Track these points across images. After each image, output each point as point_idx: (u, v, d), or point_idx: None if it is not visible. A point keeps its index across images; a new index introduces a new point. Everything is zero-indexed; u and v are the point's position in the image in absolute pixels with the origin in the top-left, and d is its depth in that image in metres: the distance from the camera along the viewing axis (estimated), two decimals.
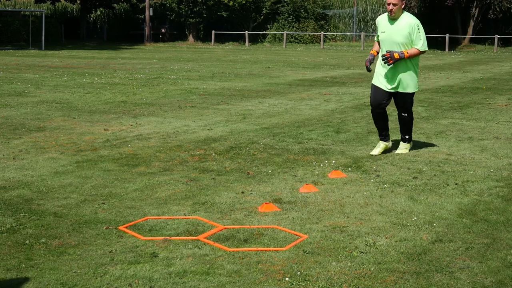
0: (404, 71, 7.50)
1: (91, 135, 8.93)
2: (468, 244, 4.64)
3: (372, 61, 7.71)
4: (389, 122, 7.91)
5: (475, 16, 44.67)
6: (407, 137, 7.86)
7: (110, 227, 4.93)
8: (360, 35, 47.60)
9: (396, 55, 7.35)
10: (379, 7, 50.02)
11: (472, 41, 45.23)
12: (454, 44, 43.67)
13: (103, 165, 7.05)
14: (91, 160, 7.31)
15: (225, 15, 48.71)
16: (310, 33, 48.88)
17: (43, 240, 4.62)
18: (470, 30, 45.19)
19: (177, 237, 4.71)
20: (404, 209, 5.52)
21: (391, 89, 7.57)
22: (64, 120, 10.24)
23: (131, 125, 9.84)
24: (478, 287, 3.92)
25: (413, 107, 7.93)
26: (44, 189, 6.04)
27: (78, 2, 54.32)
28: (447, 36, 42.15)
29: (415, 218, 5.24)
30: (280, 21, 50.60)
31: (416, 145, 8.32)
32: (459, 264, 4.26)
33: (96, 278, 3.97)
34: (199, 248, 4.52)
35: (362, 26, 51.14)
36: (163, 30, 53.14)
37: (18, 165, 7.00)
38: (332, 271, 4.10)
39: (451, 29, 45.54)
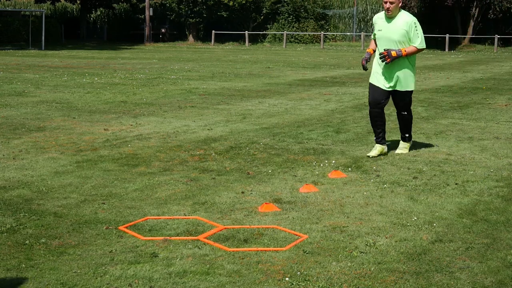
0: (401, 69, 7.48)
1: (91, 135, 8.93)
2: (468, 244, 4.64)
3: (368, 59, 7.69)
4: (388, 123, 7.90)
5: (475, 16, 44.67)
6: (407, 135, 7.85)
7: (110, 227, 4.94)
8: (360, 35, 47.62)
9: (393, 53, 7.33)
10: (379, 7, 50.02)
11: (472, 41, 45.24)
12: (454, 44, 43.68)
13: (103, 165, 7.05)
14: (91, 160, 7.31)
15: (225, 15, 48.72)
16: (310, 33, 48.89)
17: (43, 240, 4.62)
18: (470, 30, 45.19)
19: (177, 237, 4.71)
20: (404, 209, 5.52)
21: (389, 87, 7.55)
22: (64, 120, 10.24)
23: (131, 125, 9.84)
24: (478, 287, 3.92)
25: (413, 107, 7.93)
26: (44, 189, 6.04)
27: (78, 2, 54.32)
28: (447, 36, 42.16)
29: (415, 218, 5.24)
30: (280, 21, 50.60)
31: (416, 145, 8.32)
32: (459, 264, 4.26)
33: (96, 278, 3.97)
34: (199, 248, 4.52)
35: (362, 26, 51.15)
36: (163, 30, 53.14)
37: (18, 165, 7.00)
38: (332, 271, 4.11)
39: (451, 29, 45.54)
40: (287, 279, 3.98)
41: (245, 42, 48.31)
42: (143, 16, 52.32)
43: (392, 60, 7.37)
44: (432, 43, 42.73)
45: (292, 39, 49.32)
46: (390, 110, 9.59)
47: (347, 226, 5.01)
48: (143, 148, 8.04)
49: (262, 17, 50.37)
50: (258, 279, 3.97)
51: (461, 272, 4.12)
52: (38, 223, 5.02)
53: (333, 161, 7.34)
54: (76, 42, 48.52)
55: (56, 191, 5.99)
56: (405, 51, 7.36)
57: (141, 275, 4.02)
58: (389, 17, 7.46)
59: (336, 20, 52.08)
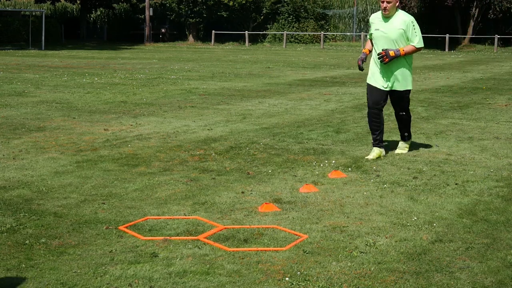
0: (399, 68, 7.44)
1: (91, 135, 8.93)
2: (468, 244, 4.64)
3: (364, 59, 7.64)
4: (388, 122, 7.89)
5: (475, 16, 44.67)
6: (406, 134, 7.82)
7: (110, 227, 4.94)
8: (360, 35, 47.64)
9: (391, 53, 7.30)
10: (379, 7, 50.03)
11: (472, 41, 45.24)
12: (454, 44, 43.68)
13: (103, 165, 7.05)
14: (91, 160, 7.31)
15: (225, 15, 48.72)
16: (310, 33, 48.90)
17: (43, 240, 4.62)
18: (470, 30, 45.19)
19: (177, 237, 4.71)
20: (404, 209, 5.52)
21: (387, 87, 7.51)
22: (64, 120, 10.24)
23: (131, 125, 9.84)
24: (478, 287, 3.92)
25: (413, 107, 7.92)
26: (44, 189, 6.04)
27: (78, 2, 54.33)
28: (447, 36, 42.16)
29: (415, 218, 5.24)
30: (280, 21, 50.61)
31: (416, 145, 8.32)
32: (459, 264, 4.26)
33: (96, 278, 3.97)
34: (199, 248, 4.52)
35: (362, 26, 51.16)
36: (163, 30, 53.15)
37: (18, 165, 7.00)
38: (332, 271, 4.11)
39: (451, 29, 45.54)
40: (287, 279, 3.98)
41: (245, 42, 48.32)
42: (143, 16, 52.33)
43: (390, 60, 7.33)
44: (432, 43, 42.73)
45: (292, 39, 49.32)
46: (389, 110, 9.58)
47: (347, 226, 5.01)
48: (143, 148, 8.04)
49: (262, 17, 50.37)
50: (258, 279, 3.97)
51: (461, 272, 4.12)
52: (38, 223, 5.02)
53: (333, 161, 7.34)
54: (76, 42, 48.52)
55: (56, 191, 5.99)
56: (403, 50, 7.34)
57: (141, 275, 4.02)
58: (386, 17, 7.43)
59: (336, 20, 52.09)
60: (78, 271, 4.07)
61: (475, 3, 44.13)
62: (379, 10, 7.63)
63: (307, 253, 4.41)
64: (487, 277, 4.04)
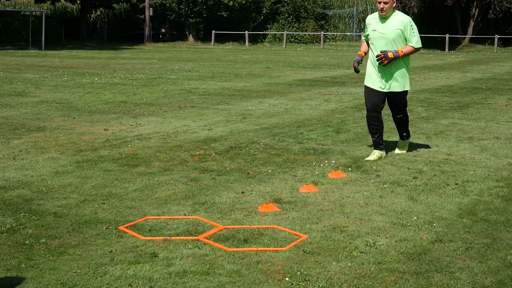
0: (396, 69, 7.39)
1: (91, 135, 8.93)
2: (468, 244, 4.64)
3: (360, 61, 7.56)
4: (388, 122, 7.87)
5: (475, 16, 44.67)
6: (404, 134, 7.78)
7: (110, 227, 4.94)
8: (360, 35, 47.60)
9: (390, 55, 7.25)
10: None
11: (472, 41, 45.24)
12: (454, 44, 43.68)
13: (103, 165, 7.06)
14: (91, 160, 7.32)
15: (225, 15, 48.72)
16: (310, 33, 48.90)
17: (43, 240, 4.62)
18: (470, 30, 45.19)
19: (177, 237, 4.71)
20: (404, 209, 5.52)
21: (385, 89, 7.43)
22: (64, 120, 10.24)
23: (131, 125, 9.84)
24: (478, 287, 3.92)
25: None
26: (44, 189, 6.04)
27: (78, 2, 54.33)
28: (447, 36, 42.16)
29: (415, 218, 5.24)
30: (280, 21, 50.60)
31: (416, 145, 8.32)
32: (459, 264, 4.26)
33: (96, 278, 3.97)
34: (199, 248, 4.52)
35: (362, 26, 51.13)
36: (163, 30, 53.14)
37: (18, 165, 7.00)
38: (332, 271, 4.11)
39: (451, 29, 45.54)
40: (287, 279, 3.98)
41: (245, 42, 48.32)
42: (143, 16, 52.32)
43: (389, 62, 7.28)
44: (432, 43, 42.73)
45: (292, 39, 49.32)
46: (389, 111, 9.57)
47: (347, 226, 5.01)
48: (143, 148, 8.04)
49: (262, 17, 50.37)
50: (258, 279, 3.97)
51: (461, 272, 4.12)
52: (38, 223, 5.02)
53: (333, 161, 7.34)
54: (76, 42, 48.52)
55: (56, 191, 5.99)
56: (401, 52, 7.29)
57: (141, 275, 4.02)
58: (383, 17, 7.38)
59: (336, 20, 52.08)
60: (78, 271, 4.07)
61: (475, 3, 44.13)
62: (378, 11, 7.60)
63: (307, 253, 4.41)
64: (487, 277, 4.04)
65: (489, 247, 4.58)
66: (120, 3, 54.20)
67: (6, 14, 45.58)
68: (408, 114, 8.19)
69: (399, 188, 6.22)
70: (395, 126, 8.71)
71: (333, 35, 50.85)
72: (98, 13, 57.09)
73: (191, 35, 51.44)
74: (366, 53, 7.67)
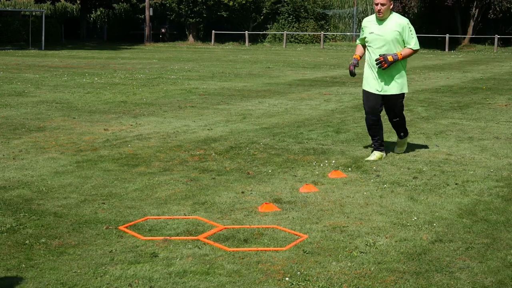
0: (395, 72, 7.34)
1: (91, 135, 8.93)
2: (468, 244, 4.64)
3: (357, 65, 7.48)
4: (388, 122, 7.86)
5: (475, 16, 44.67)
6: (402, 134, 7.75)
7: (110, 227, 4.94)
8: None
9: (390, 58, 7.18)
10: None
11: (472, 41, 45.24)
12: (454, 44, 43.68)
13: (103, 165, 7.06)
14: (91, 160, 7.32)
15: (225, 15, 48.72)
16: (310, 33, 48.90)
17: (43, 240, 4.62)
18: (470, 30, 45.19)
19: (177, 237, 4.71)
20: (404, 209, 5.52)
21: (381, 91, 7.37)
22: (64, 120, 10.24)
23: (131, 125, 9.84)
24: (478, 287, 3.92)
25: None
26: (44, 189, 6.04)
27: (78, 2, 54.33)
28: (447, 36, 42.16)
29: (415, 218, 5.24)
30: (280, 21, 50.60)
31: (416, 145, 8.32)
32: (459, 264, 4.26)
33: (96, 278, 3.97)
34: (199, 248, 4.52)
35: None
36: (163, 30, 53.14)
37: (18, 165, 7.00)
38: (332, 271, 4.11)
39: (451, 29, 45.54)
40: (287, 279, 3.98)
41: (245, 42, 48.32)
42: (143, 16, 52.32)
43: (389, 65, 7.23)
44: (432, 43, 42.73)
45: (292, 39, 49.32)
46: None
47: (347, 226, 5.02)
48: (143, 148, 8.04)
49: (262, 17, 50.37)
50: (258, 279, 3.97)
51: (461, 272, 4.12)
52: (38, 223, 5.02)
53: (333, 161, 7.34)
54: (76, 42, 48.52)
55: (56, 191, 5.99)
56: (401, 54, 7.25)
57: (141, 275, 4.02)
58: (380, 19, 7.32)
59: (336, 20, 52.08)
60: (78, 271, 4.07)
61: (475, 3, 44.13)
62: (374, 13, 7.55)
63: (307, 253, 4.41)
64: (487, 277, 4.04)
65: (489, 247, 4.58)
66: (120, 3, 54.20)
67: (6, 14, 45.58)
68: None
69: (399, 188, 6.22)
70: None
71: (333, 35, 50.85)
72: (98, 13, 57.09)
73: (191, 35, 51.44)
74: (361, 57, 7.61)
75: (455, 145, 8.43)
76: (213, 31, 48.61)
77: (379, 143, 7.53)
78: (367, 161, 7.38)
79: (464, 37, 45.24)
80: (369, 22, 7.47)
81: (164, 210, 5.43)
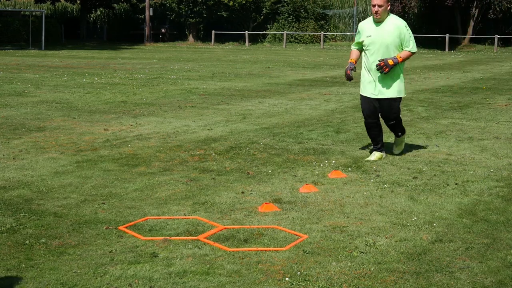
0: (393, 75, 7.30)
1: (91, 135, 8.93)
2: (468, 244, 4.64)
3: (354, 69, 7.40)
4: (384, 125, 7.85)
5: (475, 16, 44.67)
6: (399, 133, 7.72)
7: (110, 227, 4.94)
8: None
9: (390, 62, 7.14)
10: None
11: (472, 41, 45.24)
12: (454, 44, 43.67)
13: (103, 165, 7.05)
14: (91, 160, 7.32)
15: (225, 15, 48.72)
16: (310, 33, 48.89)
17: (43, 240, 4.62)
18: (470, 30, 45.19)
19: (177, 237, 4.71)
20: (404, 209, 5.52)
21: (377, 94, 7.33)
22: (64, 120, 10.24)
23: (131, 125, 9.84)
24: (478, 287, 3.92)
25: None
26: (44, 189, 6.04)
27: (78, 2, 54.33)
28: (447, 36, 42.16)
29: (415, 218, 5.24)
30: (280, 21, 50.60)
31: (416, 145, 8.32)
32: (459, 264, 4.26)
33: (96, 278, 3.97)
34: (199, 248, 4.52)
35: None
36: (163, 30, 53.15)
37: (18, 165, 7.00)
38: (332, 271, 4.11)
39: (451, 29, 45.54)
40: (287, 279, 3.98)
41: (245, 42, 48.32)
42: (143, 16, 52.32)
43: (390, 69, 7.18)
44: (432, 43, 42.72)
45: (292, 39, 49.32)
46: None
47: (347, 226, 5.01)
48: (143, 148, 8.04)
49: (262, 17, 50.37)
50: (258, 279, 3.97)
51: (461, 272, 4.12)
52: (38, 223, 5.02)
53: (333, 161, 7.34)
54: (76, 42, 48.53)
55: (56, 191, 5.99)
56: (400, 57, 7.21)
57: (141, 275, 4.02)
58: (378, 21, 7.27)
59: (336, 20, 52.08)
60: (78, 271, 4.07)
61: (475, 3, 44.13)
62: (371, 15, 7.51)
63: (307, 253, 4.41)
64: (487, 277, 4.04)
65: (489, 247, 4.58)
66: (120, 3, 54.21)
67: (6, 14, 45.58)
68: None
69: (399, 188, 6.22)
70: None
71: (333, 35, 50.85)
72: (98, 13, 57.10)
73: (191, 35, 51.44)
74: (356, 61, 7.53)
75: (455, 145, 8.43)
76: (213, 31, 48.62)
77: (379, 145, 7.53)
78: (367, 161, 7.38)
79: (464, 37, 45.24)
80: (366, 25, 7.41)
81: (164, 210, 5.43)
